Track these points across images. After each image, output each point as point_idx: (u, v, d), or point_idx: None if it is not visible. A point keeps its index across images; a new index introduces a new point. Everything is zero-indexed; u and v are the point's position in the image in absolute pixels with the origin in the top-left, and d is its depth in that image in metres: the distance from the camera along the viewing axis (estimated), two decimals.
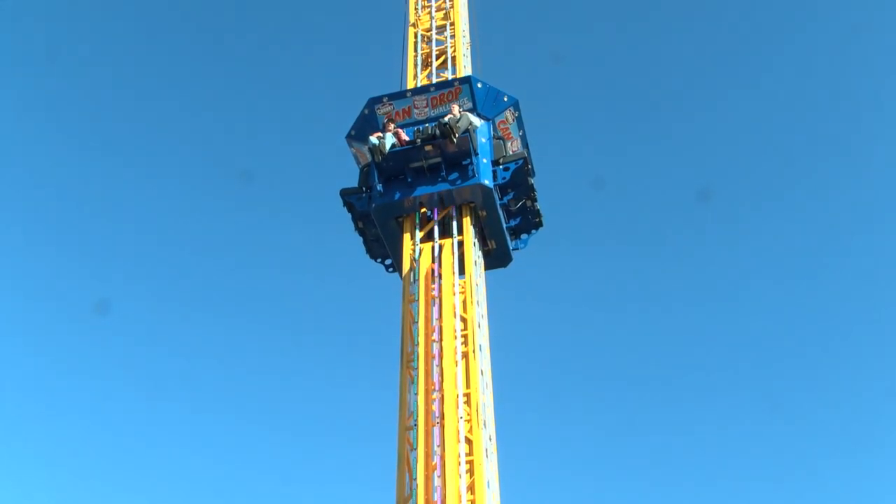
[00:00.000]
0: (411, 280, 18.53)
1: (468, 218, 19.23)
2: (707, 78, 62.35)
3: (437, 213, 19.49)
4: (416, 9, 24.51)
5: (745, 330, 57.49)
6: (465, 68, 22.78)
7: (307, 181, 62.93)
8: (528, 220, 20.88)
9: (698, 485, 52.91)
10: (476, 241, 19.44)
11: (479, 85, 20.58)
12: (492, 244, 20.20)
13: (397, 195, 19.33)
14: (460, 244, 18.83)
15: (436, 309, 17.79)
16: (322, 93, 64.03)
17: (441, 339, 17.28)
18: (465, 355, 17.36)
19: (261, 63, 67.21)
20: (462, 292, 18.23)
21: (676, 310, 58.84)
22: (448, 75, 22.62)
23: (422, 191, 19.16)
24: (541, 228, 21.13)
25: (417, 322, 17.81)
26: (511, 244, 20.77)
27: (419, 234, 19.44)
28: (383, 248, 20.87)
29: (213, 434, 56.79)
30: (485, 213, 19.54)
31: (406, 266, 19.03)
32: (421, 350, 17.34)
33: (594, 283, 59.70)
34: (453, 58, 23.07)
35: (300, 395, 59.36)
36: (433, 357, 17.13)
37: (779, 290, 57.21)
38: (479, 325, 17.96)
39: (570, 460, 54.09)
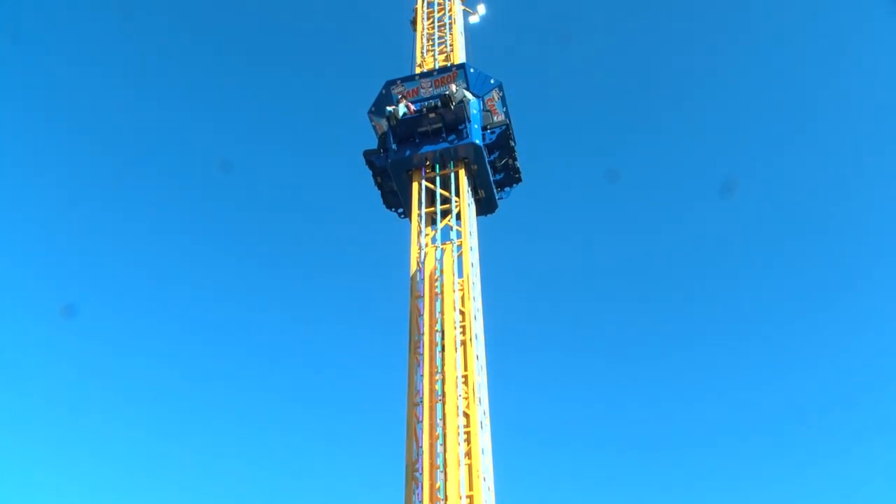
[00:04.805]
0: (417, 279, 21.39)
1: (463, 171, 23.55)
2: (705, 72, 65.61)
3: (439, 169, 23.75)
4: (422, 53, 28.04)
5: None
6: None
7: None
8: (510, 176, 25.52)
9: (686, 455, 55.95)
10: (474, 246, 22.47)
11: (472, 70, 25.46)
12: (481, 193, 24.64)
13: (408, 152, 23.99)
14: (459, 247, 21.79)
15: (438, 303, 20.53)
16: (341, 84, 68.05)
17: (443, 329, 20.02)
18: (464, 343, 20.12)
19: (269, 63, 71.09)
20: (461, 289, 20.98)
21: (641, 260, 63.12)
22: None
23: (427, 149, 23.82)
24: (520, 183, 25.73)
25: (423, 315, 20.59)
26: (497, 195, 25.30)
27: (423, 230, 22.80)
28: (397, 198, 25.24)
29: (234, 415, 61.07)
30: (476, 168, 24.03)
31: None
32: (426, 338, 20.13)
33: (567, 234, 64.72)
34: None
35: (320, 379, 64.77)
36: (436, 344, 19.88)
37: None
38: (475, 318, 20.70)
39: (556, 430, 58.63)
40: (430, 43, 28.18)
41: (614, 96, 66.48)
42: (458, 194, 22.99)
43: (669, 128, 64.82)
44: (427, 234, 22.54)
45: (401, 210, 25.32)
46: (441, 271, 21.13)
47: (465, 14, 29.78)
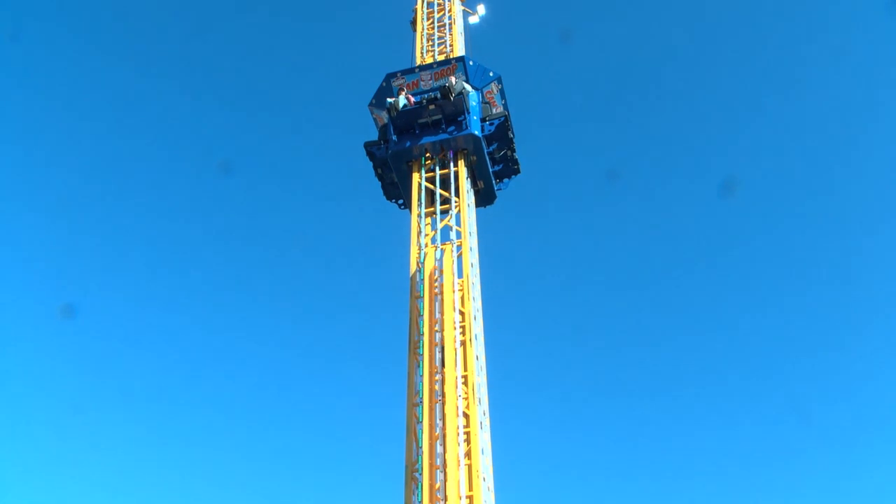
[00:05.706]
0: (417, 279, 21.39)
1: (463, 160, 23.93)
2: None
3: (439, 167, 23.98)
4: (421, 53, 28.08)
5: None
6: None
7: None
8: (509, 167, 25.97)
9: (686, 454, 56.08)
10: (474, 247, 22.47)
11: (471, 62, 25.85)
12: (480, 184, 25.02)
13: (408, 143, 24.35)
14: (458, 247, 21.80)
15: (438, 304, 20.53)
16: (341, 83, 67.76)
17: (443, 330, 20.04)
18: (464, 343, 20.11)
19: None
20: (461, 290, 20.97)
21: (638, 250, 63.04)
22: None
23: (427, 140, 24.19)
24: (518, 175, 26.22)
25: (423, 315, 20.58)
26: (496, 186, 25.72)
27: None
28: (397, 189, 25.62)
29: (240, 413, 61.32)
30: (475, 158, 24.41)
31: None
32: (426, 339, 20.12)
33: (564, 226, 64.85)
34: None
35: (320, 379, 64.59)
36: (436, 344, 19.88)
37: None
38: (475, 318, 20.68)
39: (556, 430, 58.63)
40: (430, 43, 28.26)
41: (613, 95, 66.90)
42: (457, 194, 23.01)
43: (669, 126, 65.04)
44: (427, 235, 22.56)
45: (401, 201, 25.72)
46: (441, 271, 21.14)
47: (465, 14, 29.85)
